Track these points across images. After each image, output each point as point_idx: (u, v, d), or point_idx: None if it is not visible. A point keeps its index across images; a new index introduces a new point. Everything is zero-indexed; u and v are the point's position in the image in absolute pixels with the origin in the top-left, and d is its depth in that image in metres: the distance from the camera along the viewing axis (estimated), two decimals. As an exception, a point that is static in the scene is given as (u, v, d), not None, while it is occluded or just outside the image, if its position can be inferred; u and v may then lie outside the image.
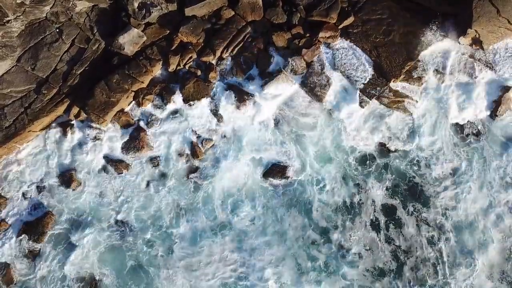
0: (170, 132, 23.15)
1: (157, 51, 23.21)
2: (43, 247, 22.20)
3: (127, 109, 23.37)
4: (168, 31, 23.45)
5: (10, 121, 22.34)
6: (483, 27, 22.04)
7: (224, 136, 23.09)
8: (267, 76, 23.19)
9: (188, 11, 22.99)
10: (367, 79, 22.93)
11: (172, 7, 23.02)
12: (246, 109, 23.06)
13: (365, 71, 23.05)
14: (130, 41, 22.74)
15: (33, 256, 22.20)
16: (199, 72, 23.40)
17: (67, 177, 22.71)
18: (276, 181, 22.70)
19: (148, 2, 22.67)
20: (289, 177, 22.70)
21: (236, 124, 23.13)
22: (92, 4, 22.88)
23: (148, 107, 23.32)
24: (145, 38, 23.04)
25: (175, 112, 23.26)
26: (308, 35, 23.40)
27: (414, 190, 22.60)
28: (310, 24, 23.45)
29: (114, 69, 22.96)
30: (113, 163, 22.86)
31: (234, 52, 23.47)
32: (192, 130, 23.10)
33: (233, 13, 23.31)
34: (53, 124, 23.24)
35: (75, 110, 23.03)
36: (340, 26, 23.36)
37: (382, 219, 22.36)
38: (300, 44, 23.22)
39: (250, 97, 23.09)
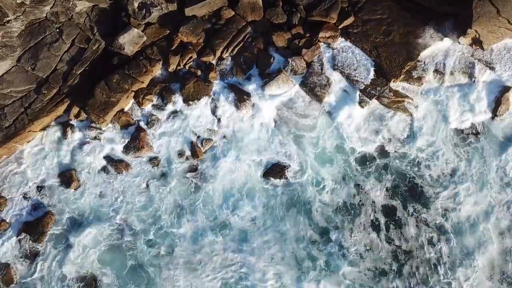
0: (170, 132, 23.15)
1: (157, 51, 23.22)
2: (43, 247, 22.19)
3: (127, 109, 23.38)
4: (168, 31, 23.46)
5: (10, 121, 22.34)
6: (483, 27, 22.04)
7: (224, 136, 23.09)
8: (267, 76, 23.20)
9: (188, 11, 23.00)
10: (369, 80, 22.91)
11: (172, 7, 23.03)
12: (246, 109, 23.07)
13: (365, 71, 23.05)
14: (130, 41, 22.75)
15: (33, 256, 22.19)
16: (199, 72, 23.41)
17: (67, 177, 22.71)
18: (276, 181, 22.69)
19: (148, 2, 22.67)
20: (289, 177, 22.69)
21: (236, 124, 23.12)
22: (92, 4, 22.90)
23: (148, 107, 23.34)
24: (145, 38, 23.05)
25: (175, 112, 23.27)
26: (308, 35, 23.41)
27: (414, 191, 22.58)
28: (310, 24, 23.46)
29: (114, 69, 22.97)
30: (113, 163, 22.87)
31: (234, 52, 23.49)
32: (192, 130, 23.10)
33: (233, 13, 23.33)
34: (53, 124, 23.23)
35: (75, 110, 23.04)
36: (340, 26, 23.38)
37: (382, 220, 22.34)
38: (300, 44, 23.23)
39: (250, 97, 23.10)
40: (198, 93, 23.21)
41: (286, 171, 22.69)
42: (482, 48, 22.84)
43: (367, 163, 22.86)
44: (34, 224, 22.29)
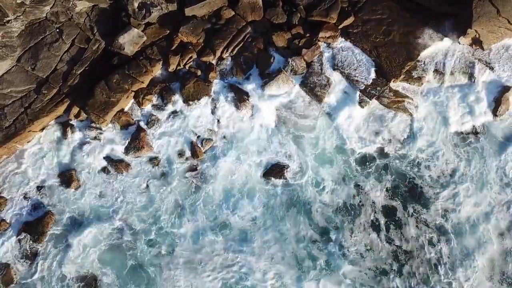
0: (170, 132, 23.16)
1: (157, 51, 23.22)
2: (43, 247, 22.19)
3: (127, 109, 23.38)
4: (168, 31, 23.46)
5: (10, 121, 22.35)
6: (483, 27, 22.04)
7: (224, 136, 23.09)
8: (267, 76, 23.19)
9: (188, 11, 23.00)
10: (369, 80, 22.90)
11: (172, 7, 23.03)
12: (246, 109, 23.07)
13: (365, 71, 23.05)
14: (130, 41, 22.75)
15: (33, 256, 22.19)
16: (199, 72, 23.40)
17: (67, 177, 22.71)
18: (276, 181, 22.69)
19: (148, 2, 22.68)
20: (288, 177, 22.68)
21: (236, 124, 23.13)
22: (92, 4, 22.90)
23: (148, 107, 23.34)
24: (145, 38, 23.05)
25: (175, 112, 23.28)
26: (308, 35, 23.40)
27: (414, 191, 22.56)
28: (310, 24, 23.45)
29: (114, 69, 22.97)
30: (113, 163, 22.87)
31: (234, 52, 23.48)
32: (192, 130, 23.11)
33: (233, 13, 23.33)
34: (53, 124, 23.24)
35: (75, 110, 23.04)
36: (340, 26, 23.37)
37: (382, 220, 22.33)
38: (300, 44, 23.22)
39: (250, 97, 23.09)
40: (198, 93, 23.22)
41: (286, 171, 22.68)
42: (482, 48, 22.83)
43: (367, 163, 22.85)
44: (34, 224, 22.30)
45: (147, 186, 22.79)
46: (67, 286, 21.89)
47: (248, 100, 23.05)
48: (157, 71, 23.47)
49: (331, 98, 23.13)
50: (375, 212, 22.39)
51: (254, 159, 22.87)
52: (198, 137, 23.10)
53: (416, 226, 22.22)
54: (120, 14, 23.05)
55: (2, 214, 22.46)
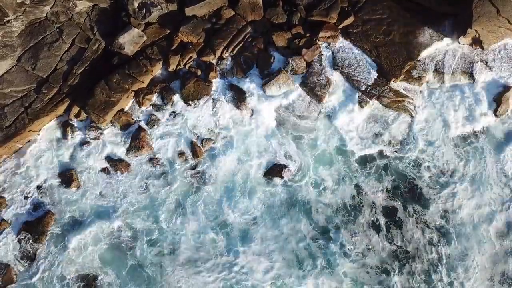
0: (170, 132, 23.15)
1: (157, 51, 23.23)
2: (43, 247, 22.18)
3: (127, 109, 23.39)
4: (168, 31, 23.47)
5: (10, 121, 22.35)
6: (483, 27, 22.06)
7: (224, 136, 23.08)
8: (267, 76, 23.20)
9: (188, 11, 23.02)
10: (369, 80, 22.91)
11: (172, 7, 23.05)
12: (246, 109, 23.07)
13: (365, 71, 23.06)
14: (130, 40, 22.76)
15: (33, 255, 22.17)
16: (199, 72, 23.40)
17: (67, 176, 22.70)
18: (276, 181, 22.68)
19: (148, 2, 22.69)
20: (289, 177, 22.68)
21: (236, 124, 23.12)
22: (92, 4, 22.92)
23: (148, 107, 23.34)
24: (145, 38, 23.06)
25: (175, 111, 23.27)
26: (308, 35, 23.42)
27: (414, 191, 22.56)
28: (310, 24, 23.47)
29: (114, 69, 22.98)
30: (113, 163, 22.86)
31: (234, 52, 23.49)
32: (192, 130, 23.10)
33: (233, 13, 23.34)
34: (53, 124, 23.23)
35: (75, 109, 23.03)
36: (340, 26, 23.40)
37: (383, 220, 22.33)
38: (300, 44, 23.23)
39: (250, 97, 23.09)
40: (198, 93, 23.22)
41: (286, 171, 22.67)
42: (482, 48, 22.85)
43: (367, 163, 22.84)
44: (34, 224, 22.28)
45: (147, 185, 22.78)
46: (67, 286, 21.87)
47: (248, 100, 23.04)
48: (157, 71, 23.48)
49: (331, 98, 23.13)
50: (375, 213, 22.39)
51: (254, 159, 22.86)
52: (198, 137, 23.10)
53: (416, 226, 22.22)
54: (120, 14, 23.07)
55: (2, 214, 22.44)
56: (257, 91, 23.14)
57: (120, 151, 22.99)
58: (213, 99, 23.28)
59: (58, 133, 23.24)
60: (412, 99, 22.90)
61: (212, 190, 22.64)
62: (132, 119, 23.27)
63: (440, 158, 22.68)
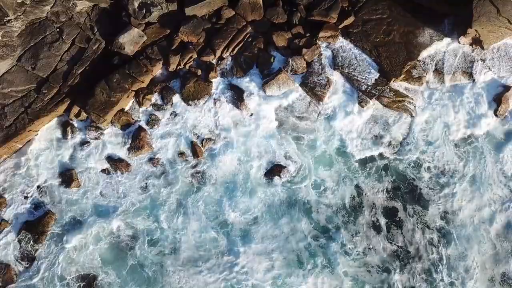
0: (171, 132, 23.15)
1: (157, 51, 23.23)
2: (44, 247, 22.17)
3: (127, 108, 23.39)
4: (169, 31, 23.48)
5: (10, 121, 22.36)
6: (483, 27, 22.07)
7: (225, 136, 23.07)
8: (267, 76, 23.20)
9: (189, 11, 23.04)
10: (369, 79, 22.91)
11: (172, 7, 23.06)
12: (246, 109, 23.07)
13: (366, 71, 23.06)
14: (130, 40, 22.76)
15: (33, 255, 22.15)
16: (199, 72, 23.40)
17: (67, 176, 22.69)
18: (276, 181, 22.67)
19: (148, 2, 22.70)
20: (289, 177, 22.68)
21: (236, 124, 23.11)
22: (92, 4, 22.93)
23: (149, 106, 23.33)
24: (145, 37, 23.07)
25: (175, 111, 23.27)
26: (308, 34, 23.43)
27: (414, 192, 22.55)
28: (311, 24, 23.47)
29: (114, 69, 22.98)
30: (114, 163, 22.86)
31: (235, 51, 23.50)
32: (192, 130, 23.10)
33: (233, 12, 23.35)
34: (54, 124, 23.22)
35: (75, 109, 23.02)
36: (340, 26, 23.40)
37: (383, 220, 22.32)
38: (300, 44, 23.23)
39: (250, 96, 23.09)
40: (199, 93, 23.22)
41: (286, 171, 22.67)
42: (482, 48, 22.86)
43: (367, 164, 22.82)
44: (35, 224, 22.27)
45: (147, 185, 22.78)
46: (67, 285, 21.86)
47: (248, 99, 23.04)
48: (158, 70, 23.48)
49: (331, 97, 23.12)
50: (376, 213, 22.39)
51: (254, 159, 22.85)
52: (198, 136, 23.10)
53: (416, 226, 22.21)
54: (120, 13, 23.06)
55: (3, 214, 22.44)
56: (257, 91, 23.14)
57: (120, 151, 22.98)
58: (213, 99, 23.28)
59: (58, 133, 23.23)
60: (412, 99, 22.90)
61: (212, 190, 22.63)
62: (132, 119, 23.28)
63: (440, 159, 22.66)
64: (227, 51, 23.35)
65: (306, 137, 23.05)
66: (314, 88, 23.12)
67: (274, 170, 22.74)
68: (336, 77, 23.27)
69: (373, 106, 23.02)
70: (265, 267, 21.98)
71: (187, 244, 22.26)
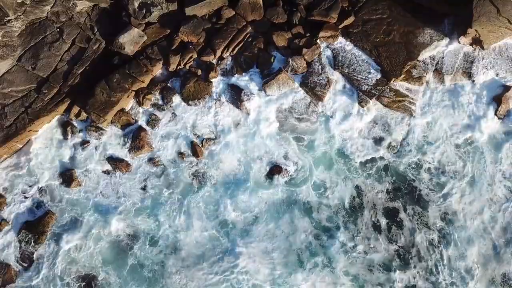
0: (171, 132, 23.16)
1: (157, 51, 23.24)
2: (44, 246, 22.17)
3: (127, 108, 23.39)
4: (169, 31, 23.49)
5: (10, 121, 22.37)
6: (483, 27, 22.08)
7: (225, 136, 23.07)
8: (268, 76, 23.21)
9: (189, 11, 23.05)
10: (370, 79, 22.91)
11: (172, 7, 23.08)
12: (246, 109, 23.07)
13: (366, 71, 23.06)
14: (130, 40, 22.78)
15: (33, 255, 22.14)
16: (199, 72, 23.41)
17: (67, 176, 22.70)
18: (277, 182, 22.67)
19: (148, 2, 22.71)
20: (289, 178, 22.67)
21: (236, 124, 23.12)
22: (92, 4, 22.95)
23: (149, 106, 23.34)
24: (145, 37, 23.08)
25: (175, 111, 23.27)
26: (308, 34, 23.43)
27: (414, 192, 22.53)
28: (311, 24, 23.48)
29: (114, 69, 23.00)
30: (114, 163, 22.86)
31: (235, 51, 23.51)
32: (193, 130, 23.11)
33: (233, 12, 23.37)
34: (54, 124, 23.23)
35: (75, 109, 23.03)
36: (341, 26, 23.40)
37: (383, 220, 22.30)
38: (300, 44, 23.24)
39: (250, 96, 23.09)
40: (199, 93, 23.23)
41: (287, 171, 22.67)
42: (483, 48, 22.87)
43: (367, 164, 22.81)
44: (35, 224, 22.27)
45: (148, 185, 22.77)
46: (67, 285, 21.85)
47: (248, 99, 23.04)
48: (158, 70, 23.50)
49: (331, 97, 23.12)
50: (376, 213, 22.38)
51: (254, 159, 22.86)
52: (199, 136, 23.11)
53: (417, 226, 22.19)
54: (120, 13, 23.08)
55: (3, 213, 22.44)
56: (257, 91, 23.14)
57: (121, 151, 22.98)
58: (214, 99, 23.29)
59: (59, 133, 23.24)
60: (413, 99, 22.90)
61: (212, 190, 22.63)
62: (133, 119, 23.29)
63: (441, 159, 22.65)
64: (227, 51, 23.36)
65: (306, 135, 23.03)
66: (314, 88, 23.13)
67: (274, 170, 22.74)
68: (336, 77, 23.27)
69: (375, 106, 22.96)
70: (266, 266, 21.97)
71: (188, 244, 22.25)
